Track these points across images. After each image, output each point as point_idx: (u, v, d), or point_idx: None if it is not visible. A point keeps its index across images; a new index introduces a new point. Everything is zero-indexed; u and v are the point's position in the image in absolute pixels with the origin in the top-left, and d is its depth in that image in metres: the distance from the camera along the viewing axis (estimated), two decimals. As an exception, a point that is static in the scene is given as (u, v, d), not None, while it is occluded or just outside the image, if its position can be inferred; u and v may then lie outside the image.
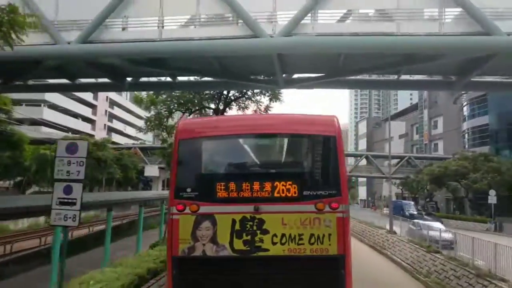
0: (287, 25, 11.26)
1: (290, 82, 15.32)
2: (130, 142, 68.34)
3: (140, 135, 57.80)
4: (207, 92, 20.11)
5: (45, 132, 40.58)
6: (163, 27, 12.02)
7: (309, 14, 11.35)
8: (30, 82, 16.76)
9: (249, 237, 5.96)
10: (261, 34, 11.20)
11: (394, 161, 52.01)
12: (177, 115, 22.14)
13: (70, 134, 45.91)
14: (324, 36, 11.37)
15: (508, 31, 10.59)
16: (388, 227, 26.05)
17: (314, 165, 6.72)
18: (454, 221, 40.70)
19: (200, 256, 5.99)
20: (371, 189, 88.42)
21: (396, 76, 14.83)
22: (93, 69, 13.98)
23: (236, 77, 15.10)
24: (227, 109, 20.74)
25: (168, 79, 16.13)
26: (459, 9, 10.99)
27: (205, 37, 11.73)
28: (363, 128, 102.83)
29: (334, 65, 13.57)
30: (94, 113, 64.50)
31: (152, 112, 20.81)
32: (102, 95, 65.48)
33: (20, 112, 36.31)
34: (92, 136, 53.10)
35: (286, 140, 7.15)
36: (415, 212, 44.58)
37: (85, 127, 60.53)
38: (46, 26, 12.04)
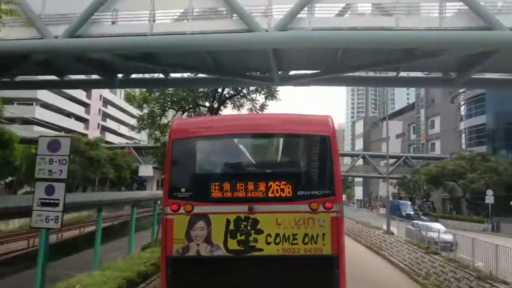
0: (283, 19, 10.87)
1: (286, 79, 14.92)
2: (124, 141, 67.76)
3: (135, 134, 57.32)
4: (201, 90, 19.69)
5: (37, 131, 39.77)
6: (154, 21, 11.63)
7: (306, 8, 10.95)
8: (18, 78, 16.27)
9: (243, 237, 5.95)
10: (256, 28, 10.81)
11: (391, 161, 51.74)
12: (170, 113, 21.73)
13: (63, 133, 45.33)
14: (321, 30, 10.99)
15: (511, 26, 10.24)
16: (385, 227, 25.73)
17: (308, 165, 6.74)
18: (451, 221, 40.51)
19: (194, 256, 5.98)
20: (367, 189, 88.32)
21: (395, 73, 14.46)
22: (82, 65, 13.55)
23: (231, 74, 14.69)
24: (222, 107, 20.30)
25: (161, 75, 15.70)
26: (460, 3, 10.64)
27: (198, 31, 11.33)
28: (359, 127, 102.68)
29: (332, 61, 13.20)
30: (88, 112, 63.73)
31: (145, 111, 20.35)
32: (95, 94, 64.81)
33: (11, 111, 35.75)
34: (85, 135, 52.51)
35: (280, 140, 7.16)
36: (412, 212, 44.40)
37: (79, 126, 59.80)
38: (33, 20, 11.68)
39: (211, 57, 13.29)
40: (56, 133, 42.87)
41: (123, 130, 69.01)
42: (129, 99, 20.40)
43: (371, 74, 16.43)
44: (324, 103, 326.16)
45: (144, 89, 19.20)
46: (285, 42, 11.32)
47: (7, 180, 37.50)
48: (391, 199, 46.32)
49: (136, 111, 20.65)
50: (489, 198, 35.75)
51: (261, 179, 6.14)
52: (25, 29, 11.87)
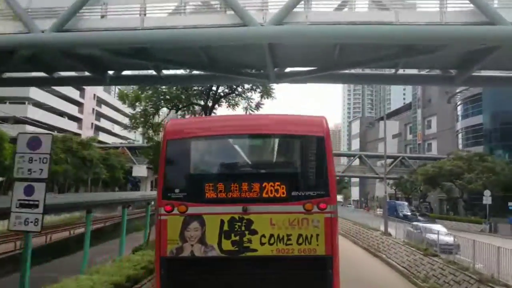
0: (279, 13, 10.47)
1: (281, 76, 14.50)
2: (118, 141, 67.20)
3: (130, 134, 56.77)
4: (195, 88, 19.19)
5: (30, 131, 39.22)
6: (145, 14, 11.24)
7: (302, 2, 10.56)
8: (6, 75, 15.76)
9: (237, 238, 5.97)
10: (250, 22, 10.41)
11: (388, 161, 51.55)
12: (164, 112, 21.24)
13: (55, 133, 44.77)
14: (318, 24, 10.61)
15: (513, 21, 9.91)
16: (382, 228, 25.37)
17: (302, 165, 6.73)
18: (448, 222, 40.17)
19: (189, 257, 6.00)
20: (364, 189, 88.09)
21: (393, 70, 14.10)
22: (70, 61, 13.07)
23: (225, 71, 14.26)
24: (216, 106, 19.84)
25: (153, 72, 15.23)
26: (461, -3, 10.32)
27: (190, 25, 10.94)
28: (356, 127, 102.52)
29: (329, 57, 12.80)
30: (81, 112, 63.04)
31: (138, 109, 19.86)
32: (89, 93, 64.21)
33: (3, 110, 35.16)
34: (79, 135, 51.93)
35: (274, 141, 7.21)
36: (409, 213, 44.22)
37: (72, 126, 59.19)
38: (20, 14, 11.25)
39: (205, 53, 12.86)
40: (48, 132, 42.30)
41: (117, 129, 68.36)
42: (121, 97, 19.85)
43: (369, 71, 16.06)
44: (321, 102, 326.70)
45: (137, 87, 18.68)
46: (280, 37, 10.93)
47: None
48: (388, 199, 46.16)
49: (130, 111, 20.14)
50: (487, 199, 35.51)
51: (255, 179, 6.15)
52: (11, 23, 11.48)
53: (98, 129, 68.99)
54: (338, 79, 16.02)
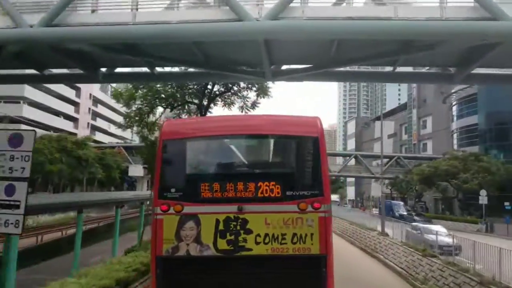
0: (274, 8, 10.18)
1: (278, 74, 14.19)
2: (115, 141, 66.66)
3: (126, 134, 56.28)
4: (190, 86, 18.84)
5: (23, 130, 38.80)
6: (137, 9, 10.90)
7: (299, -4, 10.31)
8: (-5, 72, 15.35)
9: (232, 237, 6.02)
10: (245, 17, 10.11)
11: (383, 161, 51.43)
12: (158, 111, 20.87)
13: (51, 132, 44.22)
14: (315, 20, 10.32)
15: (515, 16, 9.65)
16: (379, 228, 25.12)
17: (296, 165, 6.81)
18: (444, 222, 39.91)
19: (184, 256, 6.04)
20: (359, 189, 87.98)
21: (391, 68, 13.82)
22: (60, 57, 12.68)
23: (221, 68, 13.91)
24: (212, 105, 19.50)
25: (147, 70, 14.86)
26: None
27: (184, 20, 10.64)
28: (351, 127, 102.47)
29: (326, 54, 12.51)
30: (77, 111, 62.42)
31: (133, 108, 19.48)
32: (85, 92, 63.60)
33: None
34: (75, 134, 51.40)
35: (269, 141, 7.26)
36: (405, 213, 44.00)
37: (68, 126, 58.56)
38: (7, 8, 10.88)
39: (200, 50, 12.53)
40: (44, 132, 41.85)
41: (114, 129, 67.86)
42: (115, 96, 19.50)
43: (363, 69, 15.80)
44: (316, 102, 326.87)
45: (130, 85, 18.28)
46: (276, 32, 10.62)
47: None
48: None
49: (126, 110, 19.79)
50: (483, 199, 35.39)
51: (250, 179, 6.21)
52: (-1, 18, 11.11)
53: (94, 128, 68.40)
54: (335, 77, 15.76)
